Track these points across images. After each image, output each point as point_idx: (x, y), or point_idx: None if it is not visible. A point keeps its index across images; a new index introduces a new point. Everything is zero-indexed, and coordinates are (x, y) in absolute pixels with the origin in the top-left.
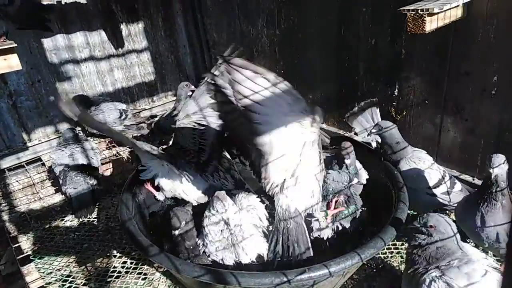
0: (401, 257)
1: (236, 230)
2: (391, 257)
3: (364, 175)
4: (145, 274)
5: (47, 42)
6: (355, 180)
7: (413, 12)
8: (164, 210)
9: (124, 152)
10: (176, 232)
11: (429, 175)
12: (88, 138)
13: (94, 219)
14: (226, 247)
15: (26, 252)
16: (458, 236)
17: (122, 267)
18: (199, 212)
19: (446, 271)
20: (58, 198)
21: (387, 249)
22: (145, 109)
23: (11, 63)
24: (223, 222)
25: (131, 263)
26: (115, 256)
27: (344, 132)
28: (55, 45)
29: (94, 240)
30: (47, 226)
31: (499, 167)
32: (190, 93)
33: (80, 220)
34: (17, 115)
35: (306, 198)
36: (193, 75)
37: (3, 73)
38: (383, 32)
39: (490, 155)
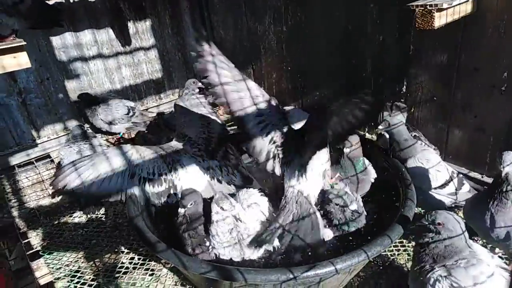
0: (408, 254)
1: (242, 227)
2: (398, 254)
3: (372, 173)
4: (152, 270)
5: (55, 40)
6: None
7: (421, 8)
8: (172, 204)
9: None
10: (182, 211)
11: (436, 175)
12: (97, 135)
13: (102, 216)
14: (232, 244)
15: (36, 248)
16: (466, 234)
17: (130, 263)
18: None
19: (453, 271)
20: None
21: (394, 246)
22: (151, 111)
23: (20, 61)
24: (233, 219)
25: (139, 259)
26: (122, 252)
27: None
28: (63, 43)
29: (102, 236)
30: (56, 222)
31: (510, 165)
32: (197, 90)
33: (88, 216)
34: (27, 112)
35: (318, 185)
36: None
37: (13, 70)
38: (391, 28)
39: (501, 153)
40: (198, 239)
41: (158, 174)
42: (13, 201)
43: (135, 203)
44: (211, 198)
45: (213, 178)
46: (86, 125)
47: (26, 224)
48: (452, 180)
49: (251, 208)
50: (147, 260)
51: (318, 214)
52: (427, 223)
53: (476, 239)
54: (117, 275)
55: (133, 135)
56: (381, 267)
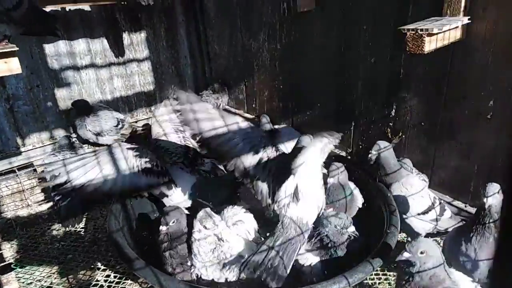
0: (389, 284)
1: (225, 246)
2: (379, 283)
3: (359, 199)
4: None
5: (48, 48)
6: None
7: (412, 32)
8: (154, 219)
9: None
10: (164, 228)
11: (418, 201)
12: (83, 145)
13: (81, 229)
14: (213, 263)
15: (8, 260)
16: (445, 262)
17: (105, 281)
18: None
19: None
20: (46, 205)
21: (375, 274)
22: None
23: (11, 67)
24: (215, 238)
25: (115, 277)
26: (99, 268)
27: (340, 151)
28: (56, 51)
29: (79, 251)
30: (33, 234)
31: (493, 196)
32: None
33: (67, 229)
34: (13, 119)
35: (313, 210)
36: (193, 87)
37: (3, 76)
38: (383, 51)
39: (485, 184)
40: (179, 259)
41: (160, 167)
42: None
43: (116, 217)
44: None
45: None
46: (73, 136)
47: (1, 235)
48: (434, 206)
49: (236, 226)
50: (124, 278)
51: (304, 238)
52: (410, 254)
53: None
54: None
55: None
56: None
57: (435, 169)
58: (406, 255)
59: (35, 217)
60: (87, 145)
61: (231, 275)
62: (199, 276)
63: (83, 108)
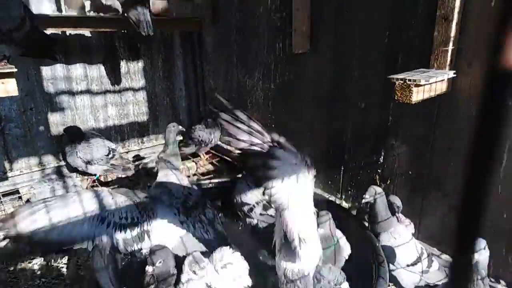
0: None
1: None
2: None
3: (346, 249)
4: None
5: (45, 71)
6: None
7: (401, 81)
8: (142, 259)
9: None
10: (150, 269)
11: (406, 252)
12: (72, 174)
13: (64, 265)
14: None
15: None
16: None
17: None
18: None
19: None
20: None
21: None
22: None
23: (8, 88)
24: (204, 285)
25: None
26: None
27: (329, 195)
28: (53, 74)
29: None
30: (12, 268)
31: (479, 252)
32: (180, 137)
33: (49, 264)
34: (3, 142)
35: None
36: (186, 120)
37: None
38: (373, 98)
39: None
40: None
41: (130, 219)
42: None
43: (101, 254)
44: (184, 257)
45: (187, 233)
46: (62, 163)
47: None
48: (421, 258)
49: (225, 269)
50: None
51: None
52: None
53: None
54: None
55: (109, 178)
56: None
57: (422, 219)
58: None
59: (17, 248)
60: (76, 174)
61: None
62: None
63: (75, 135)
